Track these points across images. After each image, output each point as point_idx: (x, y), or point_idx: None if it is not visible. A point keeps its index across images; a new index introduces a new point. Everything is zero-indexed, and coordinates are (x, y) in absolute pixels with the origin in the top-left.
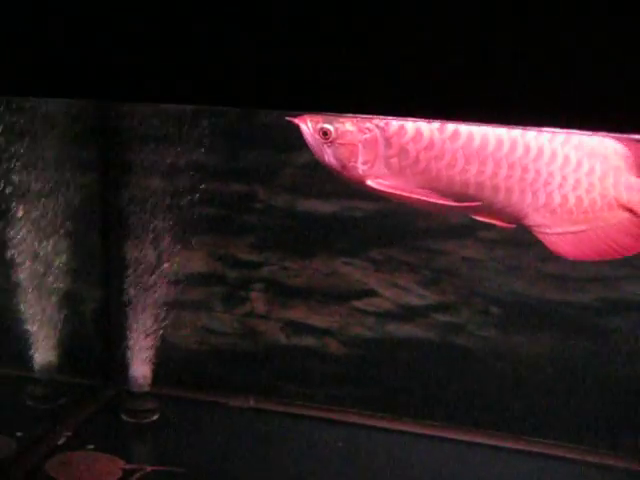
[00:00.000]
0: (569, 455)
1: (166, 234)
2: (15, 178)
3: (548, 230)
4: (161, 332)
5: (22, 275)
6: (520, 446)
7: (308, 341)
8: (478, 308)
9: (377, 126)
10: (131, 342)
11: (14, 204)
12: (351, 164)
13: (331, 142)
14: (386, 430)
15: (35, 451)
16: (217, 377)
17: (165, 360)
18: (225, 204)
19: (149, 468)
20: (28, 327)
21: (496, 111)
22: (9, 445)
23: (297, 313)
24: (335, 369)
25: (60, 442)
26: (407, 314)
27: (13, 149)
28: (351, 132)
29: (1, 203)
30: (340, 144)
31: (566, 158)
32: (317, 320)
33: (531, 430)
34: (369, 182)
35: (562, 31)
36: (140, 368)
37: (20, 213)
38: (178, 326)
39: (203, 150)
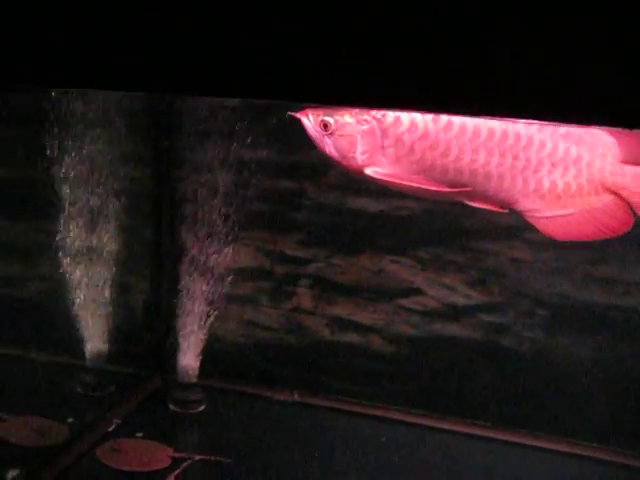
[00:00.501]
0: (612, 458)
1: (216, 228)
2: (71, 169)
3: (538, 214)
4: (209, 325)
5: (75, 265)
6: (562, 448)
7: (353, 338)
8: (524, 309)
9: (374, 118)
10: (180, 334)
11: (69, 194)
12: (350, 154)
13: (331, 134)
14: (429, 428)
15: (86, 437)
16: (262, 370)
17: (212, 352)
18: (274, 200)
19: (197, 457)
20: (80, 316)
21: (488, 104)
22: (61, 431)
23: (343, 310)
24: (379, 366)
25: (110, 429)
26: (453, 313)
27: (69, 141)
28: (350, 124)
29: (57, 193)
30: (340, 135)
31: (554, 146)
32: (362, 317)
33: (574, 432)
34: (368, 171)
35: (556, 27)
36: (188, 359)
37: (75, 204)
38: (225, 319)
39: (254, 147)
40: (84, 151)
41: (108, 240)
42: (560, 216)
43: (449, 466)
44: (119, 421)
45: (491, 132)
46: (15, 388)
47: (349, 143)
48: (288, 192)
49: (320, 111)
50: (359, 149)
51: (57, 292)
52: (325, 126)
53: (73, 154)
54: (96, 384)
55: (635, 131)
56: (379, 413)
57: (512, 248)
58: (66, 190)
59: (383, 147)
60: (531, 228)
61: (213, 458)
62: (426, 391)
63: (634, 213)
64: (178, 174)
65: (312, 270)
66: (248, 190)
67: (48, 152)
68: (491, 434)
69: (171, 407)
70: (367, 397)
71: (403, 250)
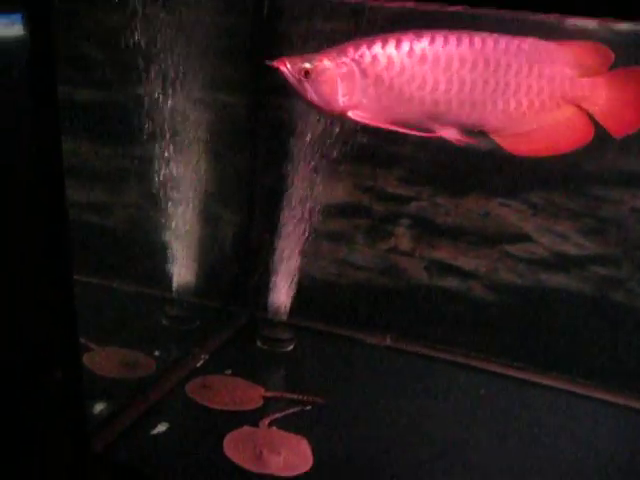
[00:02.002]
0: None
1: (313, 161)
2: (163, 94)
3: (505, 133)
4: (300, 262)
5: (166, 197)
6: None
7: (452, 283)
8: None
9: (353, 59)
10: (270, 270)
11: (159, 120)
12: (332, 97)
13: (311, 80)
14: (527, 382)
15: (174, 372)
16: (354, 312)
17: (303, 291)
18: (376, 133)
19: (290, 396)
20: (169, 248)
21: None
22: (149, 364)
23: (443, 253)
24: (479, 315)
25: (198, 365)
26: (562, 263)
27: (162, 64)
28: (329, 68)
29: (146, 119)
30: (320, 80)
31: (519, 67)
32: (464, 262)
33: None
34: (350, 114)
35: None
36: (277, 296)
37: (165, 130)
38: (318, 257)
39: None
40: (177, 76)
41: (199, 169)
42: (525, 133)
43: (546, 422)
44: (207, 357)
45: (462, 61)
46: (101, 318)
47: (330, 87)
48: None
49: (297, 58)
50: (340, 91)
51: (144, 221)
52: (305, 72)
53: (166, 78)
54: (183, 317)
55: (588, 44)
56: (476, 364)
57: (635, 197)
58: (156, 115)
59: (363, 87)
60: None
61: (305, 398)
62: (527, 344)
63: (595, 124)
64: (276, 101)
65: (413, 209)
66: (349, 121)
67: (140, 76)
68: (590, 392)
69: (259, 344)
70: (464, 346)
71: (513, 193)
